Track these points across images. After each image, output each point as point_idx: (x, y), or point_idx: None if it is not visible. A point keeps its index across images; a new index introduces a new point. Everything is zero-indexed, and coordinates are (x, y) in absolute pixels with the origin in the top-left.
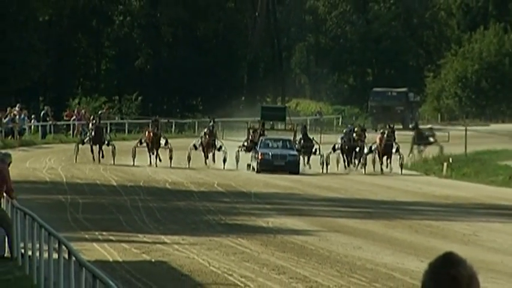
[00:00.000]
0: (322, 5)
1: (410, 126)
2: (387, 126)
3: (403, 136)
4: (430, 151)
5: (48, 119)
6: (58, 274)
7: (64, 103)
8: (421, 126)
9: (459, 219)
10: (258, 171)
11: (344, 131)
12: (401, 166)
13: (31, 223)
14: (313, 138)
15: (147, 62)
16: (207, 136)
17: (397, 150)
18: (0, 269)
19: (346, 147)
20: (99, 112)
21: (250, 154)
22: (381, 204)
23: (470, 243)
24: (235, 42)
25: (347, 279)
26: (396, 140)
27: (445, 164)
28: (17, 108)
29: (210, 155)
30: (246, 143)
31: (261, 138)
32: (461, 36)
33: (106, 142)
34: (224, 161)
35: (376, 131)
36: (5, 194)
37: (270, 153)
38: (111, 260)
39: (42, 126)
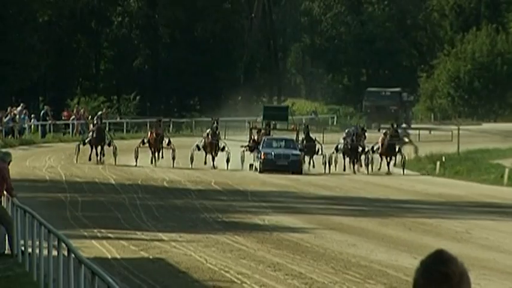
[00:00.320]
0: (317, 6)
1: (403, 125)
2: (391, 126)
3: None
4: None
5: (47, 118)
6: (57, 271)
7: (63, 103)
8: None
9: (452, 217)
10: (260, 171)
11: (346, 131)
12: (404, 166)
13: (31, 221)
14: (315, 138)
15: (145, 62)
16: (210, 137)
17: (399, 150)
18: (0, 266)
19: (350, 147)
20: (99, 113)
21: (253, 154)
22: (375, 202)
23: (463, 240)
24: (232, 43)
25: (342, 276)
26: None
27: (438, 162)
28: (19, 108)
29: (210, 157)
30: (249, 143)
31: (263, 138)
32: (454, 37)
33: (107, 142)
34: (227, 161)
35: (378, 130)
36: (5, 192)
37: (273, 153)
38: (109, 257)
39: (42, 125)
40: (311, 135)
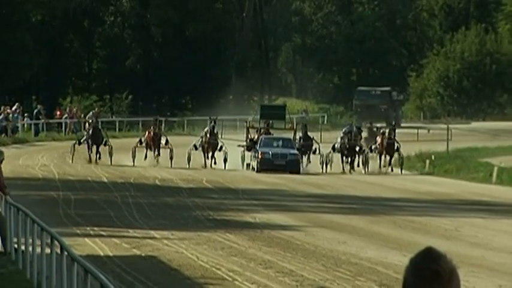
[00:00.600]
0: (308, 6)
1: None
2: (390, 125)
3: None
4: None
5: (40, 117)
6: (50, 268)
7: (56, 102)
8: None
9: (441, 214)
10: (258, 171)
11: (343, 130)
12: (401, 166)
13: (24, 219)
14: (313, 137)
15: (138, 62)
16: (208, 136)
17: (398, 149)
18: None
19: (347, 146)
20: (92, 112)
21: (250, 153)
22: (365, 201)
23: (452, 238)
24: (224, 43)
25: (332, 273)
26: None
27: (428, 161)
28: (14, 107)
29: (209, 158)
30: (246, 142)
31: (260, 137)
32: (443, 37)
33: (103, 142)
34: (225, 161)
35: (376, 129)
36: None
37: (270, 153)
38: (102, 254)
39: (35, 124)
40: (309, 134)
